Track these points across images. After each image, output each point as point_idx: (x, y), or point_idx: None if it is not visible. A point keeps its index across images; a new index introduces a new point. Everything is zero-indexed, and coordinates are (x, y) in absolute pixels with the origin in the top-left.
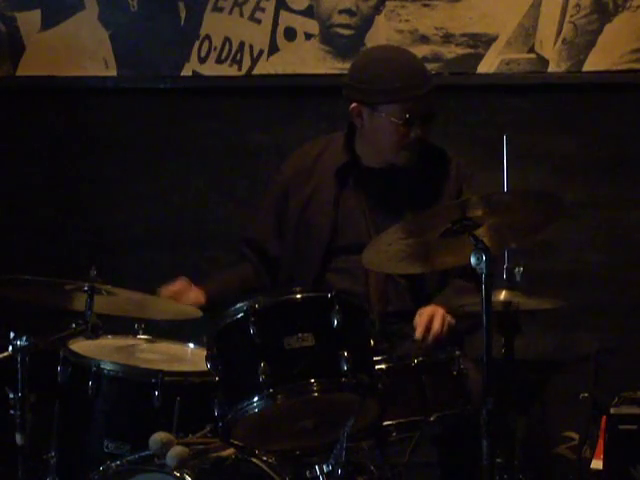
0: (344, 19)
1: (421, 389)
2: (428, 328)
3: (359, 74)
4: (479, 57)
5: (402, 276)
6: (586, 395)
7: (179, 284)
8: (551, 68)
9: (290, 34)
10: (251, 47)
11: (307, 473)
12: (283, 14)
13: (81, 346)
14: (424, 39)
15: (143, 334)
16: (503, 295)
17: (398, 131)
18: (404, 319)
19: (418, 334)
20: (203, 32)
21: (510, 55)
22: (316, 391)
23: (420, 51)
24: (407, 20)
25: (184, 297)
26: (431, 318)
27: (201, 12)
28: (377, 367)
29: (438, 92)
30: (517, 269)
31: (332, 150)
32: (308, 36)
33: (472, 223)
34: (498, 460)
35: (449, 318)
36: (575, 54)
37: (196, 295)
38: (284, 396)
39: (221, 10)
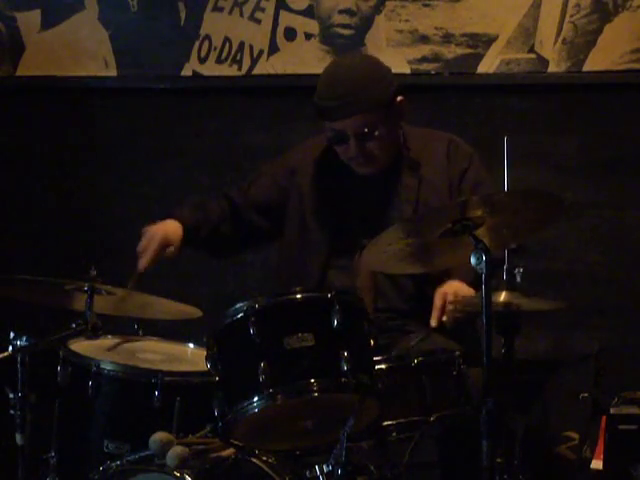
0: (344, 19)
1: (421, 389)
2: (443, 312)
3: (316, 85)
4: (479, 57)
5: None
6: (586, 395)
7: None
8: (551, 68)
9: (290, 34)
10: (251, 47)
11: (307, 473)
12: (283, 14)
13: (81, 346)
14: (424, 39)
15: (143, 334)
16: (503, 296)
17: (335, 148)
18: (400, 315)
19: (433, 323)
20: (203, 32)
21: (510, 55)
22: (316, 391)
23: (420, 51)
24: (407, 20)
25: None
26: (444, 302)
27: (201, 12)
28: (377, 367)
29: (383, 109)
30: (517, 270)
31: (329, 154)
32: (308, 36)
33: (472, 223)
34: (498, 460)
35: (465, 290)
36: (575, 54)
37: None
38: (284, 396)
39: (221, 10)
